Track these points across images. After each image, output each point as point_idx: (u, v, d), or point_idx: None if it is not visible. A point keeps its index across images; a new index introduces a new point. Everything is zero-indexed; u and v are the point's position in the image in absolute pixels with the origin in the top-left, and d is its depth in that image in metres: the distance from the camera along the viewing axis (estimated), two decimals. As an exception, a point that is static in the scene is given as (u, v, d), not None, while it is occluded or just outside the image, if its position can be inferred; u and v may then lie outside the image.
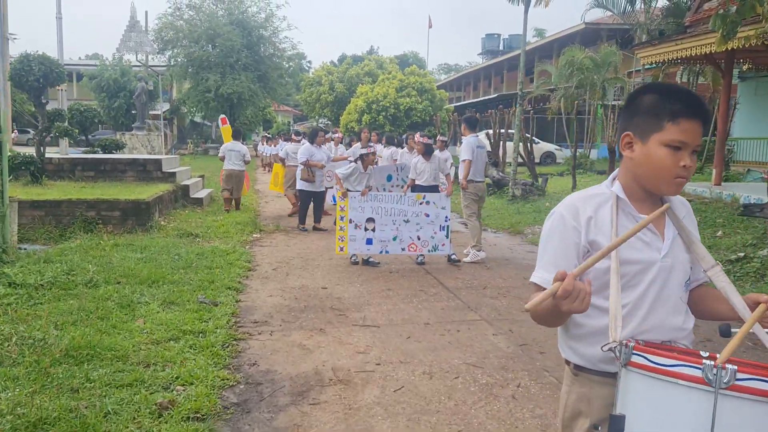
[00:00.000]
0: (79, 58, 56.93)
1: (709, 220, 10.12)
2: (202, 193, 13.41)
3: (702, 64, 14.33)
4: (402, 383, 4.50)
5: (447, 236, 8.40)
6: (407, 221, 8.27)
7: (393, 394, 4.33)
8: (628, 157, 1.94)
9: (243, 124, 45.31)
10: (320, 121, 43.24)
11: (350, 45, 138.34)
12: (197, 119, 49.58)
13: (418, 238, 8.33)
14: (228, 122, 14.99)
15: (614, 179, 2.02)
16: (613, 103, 28.68)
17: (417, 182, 9.09)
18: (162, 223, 10.53)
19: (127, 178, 12.24)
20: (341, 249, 8.26)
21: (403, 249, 8.36)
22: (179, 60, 39.56)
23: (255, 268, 8.29)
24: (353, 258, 8.48)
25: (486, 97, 40.76)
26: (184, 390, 4.21)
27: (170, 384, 4.31)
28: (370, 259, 8.47)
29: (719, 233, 9.27)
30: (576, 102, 23.57)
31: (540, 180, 16.51)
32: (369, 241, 8.21)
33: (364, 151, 9.03)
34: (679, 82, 19.00)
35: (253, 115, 45.83)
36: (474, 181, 8.81)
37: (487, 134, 21.33)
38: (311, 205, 11.36)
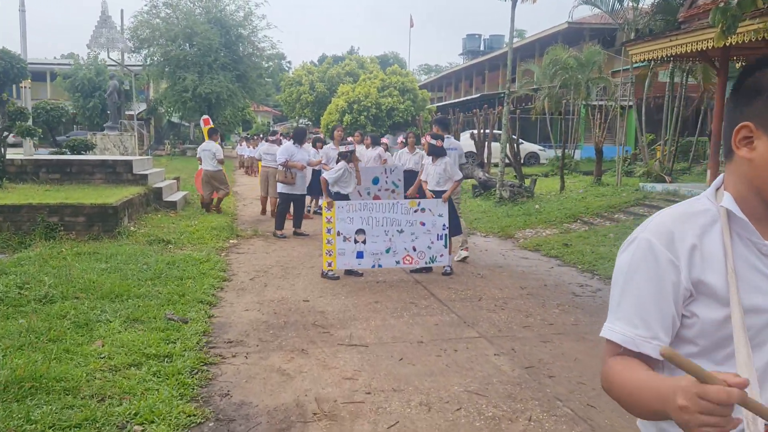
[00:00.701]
0: (54, 58, 55.58)
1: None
2: (176, 196, 12.72)
3: (695, 61, 13.93)
4: (396, 417, 3.92)
5: (445, 246, 7.81)
6: (401, 231, 7.66)
7: (387, 431, 3.75)
8: (744, 158, 1.32)
9: (222, 125, 44.49)
10: (300, 121, 42.52)
11: (330, 46, 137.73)
12: (175, 120, 48.61)
13: (414, 249, 7.72)
14: (210, 123, 14.19)
15: (718, 188, 1.42)
16: (598, 103, 28.39)
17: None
18: (131, 228, 9.85)
19: (96, 180, 11.53)
20: (329, 265, 7.57)
21: (397, 262, 7.73)
22: (155, 59, 38.61)
23: (230, 278, 7.66)
24: (330, 273, 7.69)
25: (469, 97, 40.35)
26: (142, 431, 3.60)
27: (127, 423, 3.69)
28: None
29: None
30: (564, 101, 23.17)
31: (528, 181, 16.01)
32: (360, 255, 7.59)
33: (344, 148, 8.37)
34: (667, 81, 18.64)
35: (232, 116, 45.02)
36: None
37: (472, 135, 20.83)
38: (291, 208, 10.76)
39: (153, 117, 47.56)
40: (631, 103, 25.22)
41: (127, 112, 42.92)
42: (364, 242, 7.55)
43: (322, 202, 7.94)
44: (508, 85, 15.58)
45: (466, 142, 25.52)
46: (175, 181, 14.11)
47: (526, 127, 33.91)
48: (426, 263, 7.80)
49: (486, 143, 19.93)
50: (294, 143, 10.75)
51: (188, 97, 36.36)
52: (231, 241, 10.14)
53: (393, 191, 10.99)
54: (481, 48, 59.93)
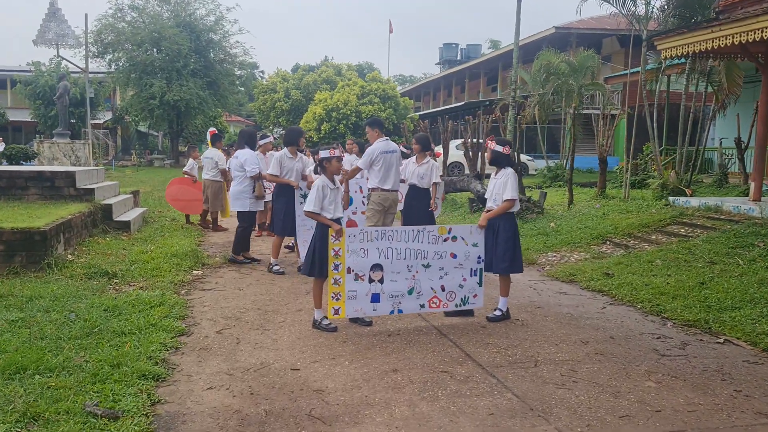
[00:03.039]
0: (19, 65, 52.67)
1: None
2: (130, 215, 10.67)
3: (736, 57, 12.32)
4: None
5: (480, 284, 5.96)
6: (427, 266, 5.78)
7: None
8: None
9: (192, 134, 42.32)
10: (275, 130, 40.46)
11: (303, 56, 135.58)
12: (143, 129, 46.24)
13: (442, 289, 5.85)
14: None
15: None
16: (592, 111, 26.91)
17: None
18: (69, 257, 7.82)
19: (29, 196, 9.47)
20: (336, 311, 5.62)
21: (422, 306, 5.85)
22: (121, 64, 36.36)
23: (191, 329, 5.70)
24: (325, 322, 5.77)
25: (452, 105, 38.73)
26: None
27: None
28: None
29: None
30: (556, 109, 21.56)
31: (536, 194, 14.27)
32: (375, 298, 5.68)
33: (325, 153, 5.95)
34: (683, 85, 17.05)
35: (203, 125, 42.79)
36: (382, 189, 7.62)
37: (465, 144, 19.05)
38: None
39: (119, 126, 45.16)
40: (615, 113, 23.86)
41: (91, 121, 40.67)
42: (381, 281, 5.64)
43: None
44: (514, 86, 13.85)
45: (454, 152, 23.89)
46: (131, 196, 12.06)
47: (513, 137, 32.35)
48: (457, 306, 5.92)
49: (480, 153, 18.20)
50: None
51: (156, 105, 34.19)
52: (195, 272, 8.16)
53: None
54: (458, 57, 58.67)
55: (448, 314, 6.13)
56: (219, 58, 38.57)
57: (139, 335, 5.23)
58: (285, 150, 8.30)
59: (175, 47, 33.93)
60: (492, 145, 6.14)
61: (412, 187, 8.49)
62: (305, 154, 9.41)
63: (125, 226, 9.97)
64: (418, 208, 8.28)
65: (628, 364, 4.89)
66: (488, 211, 6.10)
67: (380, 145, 7.59)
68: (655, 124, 16.78)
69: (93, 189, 9.87)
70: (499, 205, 5.98)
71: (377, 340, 5.44)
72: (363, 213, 8.84)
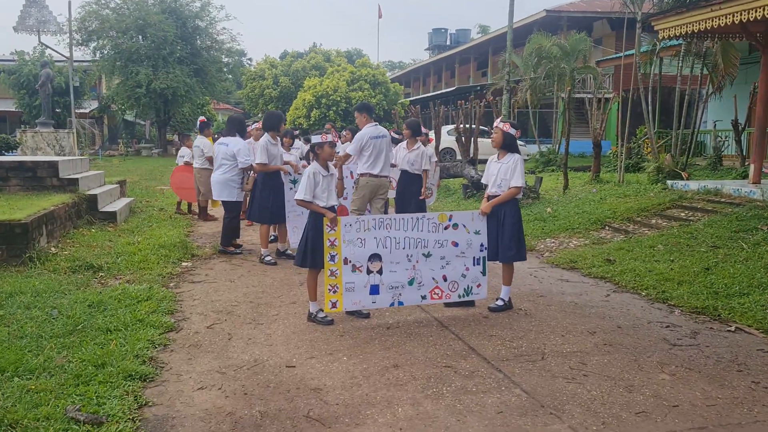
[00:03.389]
0: (2, 55, 51.70)
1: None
2: (116, 205, 10.36)
3: (735, 37, 12.06)
4: None
5: (484, 273, 5.72)
6: (428, 255, 5.54)
7: None
8: None
9: (180, 123, 41.78)
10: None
11: (291, 44, 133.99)
12: (129, 118, 45.62)
13: (444, 279, 5.61)
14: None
15: None
16: (584, 95, 26.68)
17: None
18: (52, 250, 7.53)
19: (11, 187, 9.14)
20: (334, 304, 5.38)
21: (423, 297, 5.60)
22: (105, 52, 35.70)
23: (180, 325, 5.44)
24: (320, 315, 5.50)
25: (443, 91, 38.40)
26: None
27: None
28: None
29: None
30: (560, 92, 21.29)
31: (531, 179, 14.04)
32: (374, 290, 5.43)
33: (318, 138, 5.66)
34: (678, 68, 16.80)
35: (191, 113, 42.21)
36: (371, 175, 7.56)
37: (457, 129, 18.77)
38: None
39: (106, 115, 44.49)
40: (609, 96, 23.59)
41: (77, 110, 40.02)
42: (380, 272, 5.40)
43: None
44: (509, 69, 13.58)
45: (445, 137, 23.61)
46: (117, 186, 11.73)
47: (503, 122, 32.03)
48: (460, 297, 5.69)
49: (473, 138, 17.94)
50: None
51: (142, 93, 33.60)
52: (184, 263, 7.88)
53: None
54: (448, 43, 58.26)
55: (448, 305, 5.89)
56: (206, 45, 37.97)
57: (125, 332, 4.97)
58: (266, 136, 8.02)
59: (161, 34, 33.33)
60: (507, 127, 5.83)
61: (404, 173, 8.45)
62: (301, 141, 9.25)
63: (111, 216, 9.67)
64: (410, 193, 8.29)
65: (639, 355, 4.68)
66: (490, 197, 5.84)
67: (369, 130, 7.50)
68: (650, 107, 16.55)
69: (77, 179, 9.55)
70: (505, 191, 5.72)
71: (376, 334, 5.21)
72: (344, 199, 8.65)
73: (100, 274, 6.97)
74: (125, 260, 7.52)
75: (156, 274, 7.04)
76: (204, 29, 37.56)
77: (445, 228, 5.55)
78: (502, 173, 5.75)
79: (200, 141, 11.03)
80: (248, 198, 9.17)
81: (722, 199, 9.86)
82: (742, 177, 12.68)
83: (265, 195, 8.03)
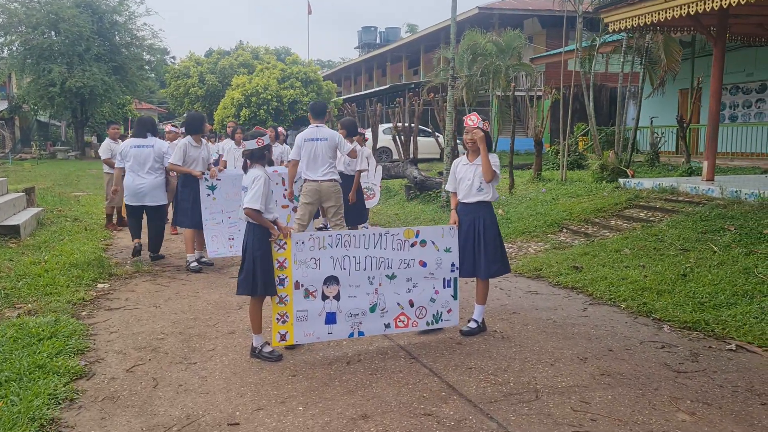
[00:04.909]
0: None
1: None
2: (20, 217, 9.08)
3: (687, 31, 11.77)
4: None
5: (455, 297, 4.96)
6: (392, 277, 4.72)
7: None
8: None
9: (99, 123, 39.52)
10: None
11: (217, 41, 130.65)
12: (43, 119, 42.84)
13: (411, 304, 4.81)
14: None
15: None
16: (518, 93, 26.53)
17: None
18: (-63, 275, 6.32)
19: None
20: (283, 337, 4.50)
21: (387, 325, 4.78)
22: (14, 48, 33.23)
23: (92, 369, 4.43)
24: (266, 349, 4.59)
25: (376, 89, 37.67)
26: None
27: None
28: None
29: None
30: (495, 89, 20.90)
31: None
32: (330, 318, 4.57)
33: (255, 144, 4.63)
34: (621, 64, 16.60)
35: (111, 113, 39.97)
36: (309, 180, 7.08)
37: (396, 128, 18.05)
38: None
39: (17, 116, 41.64)
40: (540, 94, 23.49)
41: (-18, 111, 37.14)
42: (337, 297, 4.56)
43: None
44: (453, 64, 12.95)
45: (382, 137, 22.89)
46: (23, 194, 10.40)
47: (437, 120, 31.67)
48: (428, 324, 4.91)
49: (413, 138, 17.28)
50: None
51: (56, 92, 31.40)
52: (100, 285, 6.80)
53: (295, 209, 7.85)
54: (378, 41, 57.68)
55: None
56: (125, 41, 35.91)
57: (20, 384, 3.95)
58: (189, 138, 7.55)
59: (76, 30, 31.24)
60: (486, 125, 5.02)
61: (340, 175, 7.71)
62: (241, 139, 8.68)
63: (13, 230, 8.42)
64: (346, 195, 7.94)
65: (644, 388, 4.01)
66: (467, 205, 5.04)
67: (308, 131, 7.08)
68: (591, 104, 16.29)
69: (-29, 188, 8.28)
70: (489, 192, 4.98)
71: (335, 371, 4.36)
72: (283, 207, 7.87)
73: (-4, 303, 5.84)
74: (28, 284, 6.39)
75: (65, 300, 5.96)
76: (123, 25, 35.51)
77: (412, 245, 4.75)
78: (479, 175, 4.99)
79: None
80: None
81: (680, 198, 9.48)
82: (688, 174, 12.45)
83: (183, 197, 7.61)
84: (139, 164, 7.71)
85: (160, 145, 7.89)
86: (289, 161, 7.46)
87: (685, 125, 13.89)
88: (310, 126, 7.14)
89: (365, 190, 9.59)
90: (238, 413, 3.72)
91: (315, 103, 7.36)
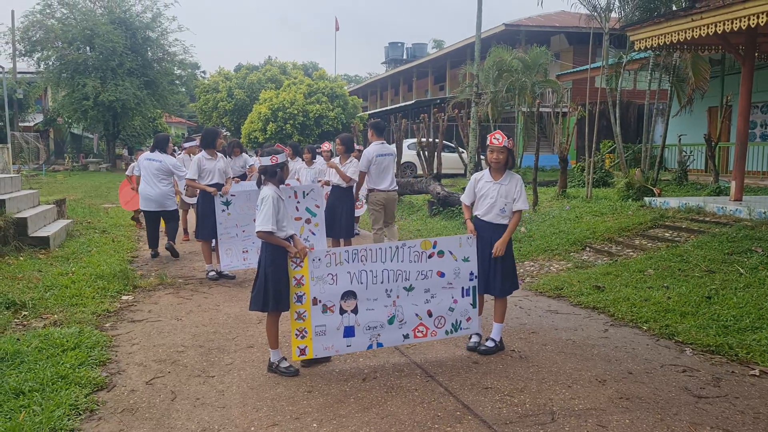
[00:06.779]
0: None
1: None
2: (50, 229, 9.29)
3: (716, 49, 11.68)
4: None
5: (474, 305, 4.97)
6: (410, 289, 4.75)
7: None
8: None
9: (131, 136, 40.30)
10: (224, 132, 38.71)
11: (246, 56, 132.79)
12: (77, 131, 43.79)
13: (429, 315, 4.83)
14: None
15: None
16: (544, 110, 26.41)
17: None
18: (-33, 285, 6.49)
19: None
20: (302, 351, 4.56)
21: (406, 336, 4.80)
22: (50, 63, 34.08)
23: (113, 381, 4.51)
24: (283, 364, 4.63)
25: (402, 104, 37.83)
26: None
27: None
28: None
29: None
30: (520, 105, 20.84)
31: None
32: (349, 332, 4.61)
33: (268, 161, 4.67)
34: (642, 82, 16.49)
35: (142, 126, 40.75)
36: (377, 190, 8.05)
37: (420, 143, 18.09)
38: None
39: (52, 128, 42.62)
40: (565, 110, 23.31)
41: (21, 124, 38.08)
42: (355, 311, 4.60)
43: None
44: (477, 80, 12.97)
45: (406, 152, 22.98)
46: (53, 206, 10.63)
47: (460, 135, 31.65)
48: (447, 333, 4.91)
49: (437, 153, 17.29)
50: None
51: (89, 106, 32.12)
52: (124, 297, 6.92)
53: (308, 221, 8.07)
54: (404, 56, 57.96)
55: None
56: (157, 56, 36.64)
57: (42, 394, 4.04)
58: (203, 152, 7.92)
59: (110, 45, 31.97)
60: (510, 143, 5.02)
61: (335, 188, 8.45)
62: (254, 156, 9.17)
63: (43, 242, 8.63)
64: (341, 209, 8.36)
65: (663, 413, 3.96)
66: (488, 223, 5.04)
67: (375, 148, 7.88)
68: (618, 122, 16.17)
69: (3, 200, 8.49)
70: (511, 218, 5.01)
71: (350, 388, 4.38)
72: (296, 219, 7.97)
73: (23, 313, 5.98)
74: (55, 295, 6.53)
75: (90, 311, 6.08)
76: (155, 40, 36.25)
77: (429, 256, 4.77)
78: (503, 196, 4.99)
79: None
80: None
81: (706, 218, 9.35)
82: (716, 193, 12.29)
83: (201, 210, 7.96)
84: (150, 175, 8.69)
85: (168, 161, 8.78)
86: (358, 172, 8.06)
87: (713, 144, 13.69)
88: (374, 143, 7.91)
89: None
90: (253, 428, 3.76)
91: (377, 122, 8.13)
